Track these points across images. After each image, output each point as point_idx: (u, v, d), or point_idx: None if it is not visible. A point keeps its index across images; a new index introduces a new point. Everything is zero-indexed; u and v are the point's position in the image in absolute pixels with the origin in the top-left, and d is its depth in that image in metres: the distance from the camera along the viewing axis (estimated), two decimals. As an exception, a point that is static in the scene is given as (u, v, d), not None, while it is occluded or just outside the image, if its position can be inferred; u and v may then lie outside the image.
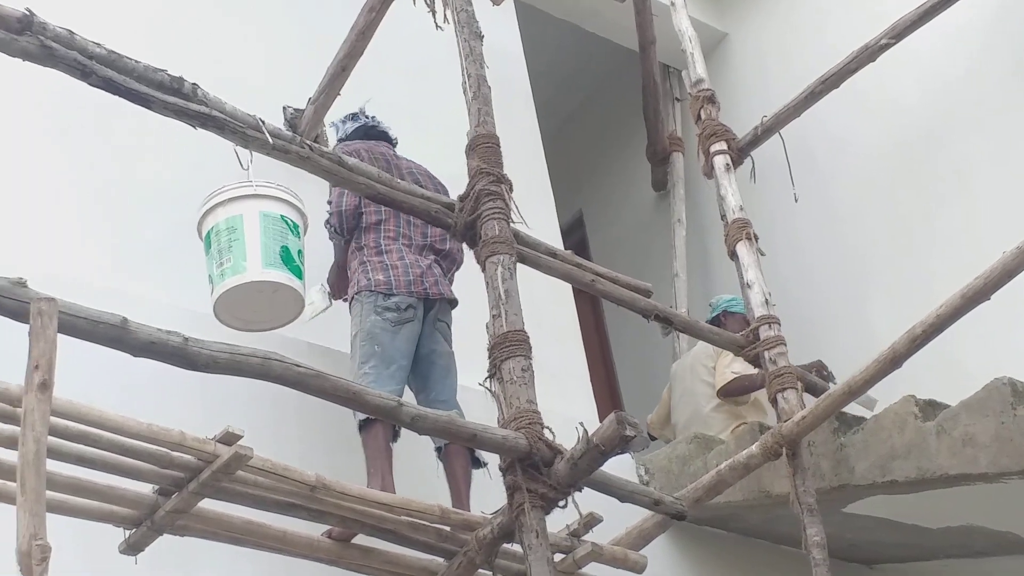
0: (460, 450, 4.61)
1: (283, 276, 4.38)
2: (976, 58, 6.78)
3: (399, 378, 4.67)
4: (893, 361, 4.43)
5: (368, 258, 4.88)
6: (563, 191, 7.40)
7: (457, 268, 5.09)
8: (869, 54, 5.78)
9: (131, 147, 5.19)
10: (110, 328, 3.15)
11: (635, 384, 8.25)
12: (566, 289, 5.86)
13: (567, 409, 5.07)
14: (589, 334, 7.53)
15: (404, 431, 4.48)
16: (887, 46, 5.76)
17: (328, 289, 5.05)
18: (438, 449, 4.69)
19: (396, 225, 4.92)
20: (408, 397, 4.63)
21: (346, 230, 4.96)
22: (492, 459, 3.94)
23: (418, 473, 4.69)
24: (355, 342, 4.75)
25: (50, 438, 2.88)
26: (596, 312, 8.50)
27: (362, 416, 4.44)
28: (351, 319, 4.83)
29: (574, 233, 8.94)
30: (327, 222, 5.02)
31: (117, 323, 3.16)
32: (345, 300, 4.98)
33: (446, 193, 5.04)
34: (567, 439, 3.81)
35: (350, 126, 5.28)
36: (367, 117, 5.30)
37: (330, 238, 5.08)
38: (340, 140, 5.26)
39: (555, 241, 6.13)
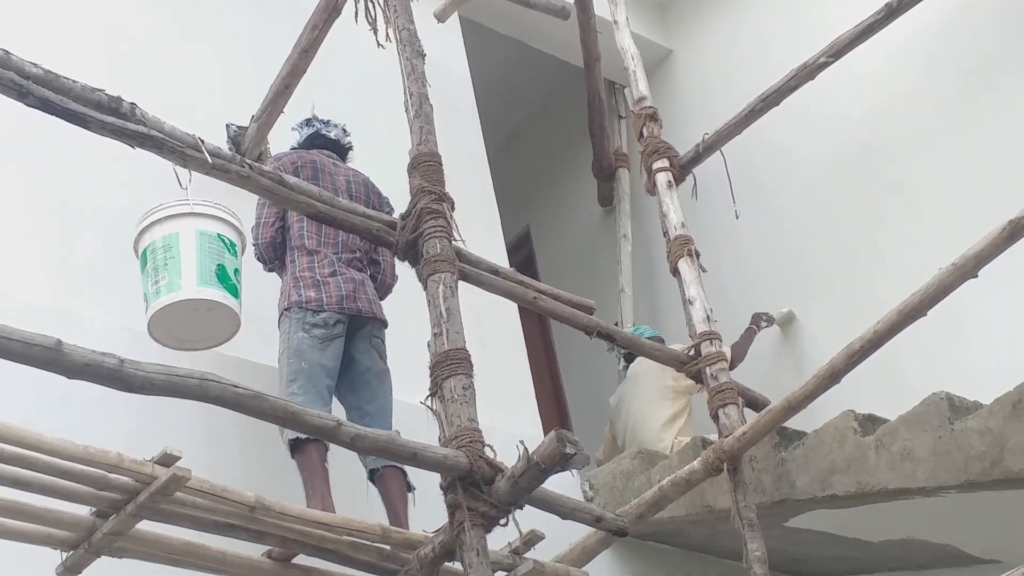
0: (394, 472, 4.60)
1: (218, 294, 4.36)
2: (918, 75, 6.85)
3: (327, 397, 4.66)
4: (831, 377, 4.46)
5: (300, 273, 4.84)
6: (510, 207, 7.42)
7: (387, 291, 5.10)
8: (808, 72, 5.79)
9: (69, 164, 5.15)
10: (44, 351, 3.12)
11: (584, 399, 8.27)
12: (511, 306, 5.86)
13: (512, 426, 5.08)
14: (536, 351, 7.55)
15: (333, 448, 4.42)
16: (825, 64, 5.77)
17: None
18: (371, 472, 4.66)
19: (327, 234, 4.86)
20: (338, 411, 4.62)
21: (267, 260, 5.00)
22: (433, 477, 3.93)
23: (354, 493, 4.67)
24: (282, 359, 4.74)
25: (-16, 461, 2.88)
26: (543, 328, 8.51)
27: (291, 436, 4.42)
28: (280, 335, 4.82)
29: (522, 248, 8.96)
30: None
31: (51, 345, 3.13)
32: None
33: (387, 204, 5.04)
34: (512, 456, 3.81)
35: (306, 131, 5.25)
36: (319, 123, 5.27)
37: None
38: (293, 148, 5.22)
39: (500, 256, 6.14)
